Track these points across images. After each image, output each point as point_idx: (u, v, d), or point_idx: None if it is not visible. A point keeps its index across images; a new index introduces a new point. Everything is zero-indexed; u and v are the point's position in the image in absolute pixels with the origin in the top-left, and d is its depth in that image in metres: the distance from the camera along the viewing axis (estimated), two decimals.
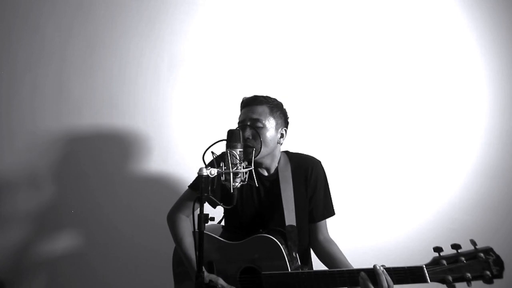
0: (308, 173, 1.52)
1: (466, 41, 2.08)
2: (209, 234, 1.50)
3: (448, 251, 1.09)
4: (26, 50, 2.12)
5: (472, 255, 1.07)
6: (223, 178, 1.11)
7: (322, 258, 1.53)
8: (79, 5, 2.14)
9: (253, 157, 1.25)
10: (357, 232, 2.00)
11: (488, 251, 1.06)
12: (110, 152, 2.07)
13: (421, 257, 1.91)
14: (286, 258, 1.34)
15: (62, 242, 2.05)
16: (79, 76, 2.11)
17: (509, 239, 1.95)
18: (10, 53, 2.12)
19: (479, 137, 2.03)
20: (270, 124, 1.46)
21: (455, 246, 1.08)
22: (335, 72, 2.09)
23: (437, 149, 2.04)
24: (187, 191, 1.58)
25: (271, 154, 1.51)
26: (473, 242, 1.06)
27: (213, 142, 1.17)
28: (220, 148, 1.16)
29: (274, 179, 1.53)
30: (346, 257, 1.47)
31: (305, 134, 2.01)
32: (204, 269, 1.37)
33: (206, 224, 1.50)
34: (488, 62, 2.06)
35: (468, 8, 2.08)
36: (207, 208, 1.45)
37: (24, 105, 2.10)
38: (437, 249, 1.09)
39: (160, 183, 2.05)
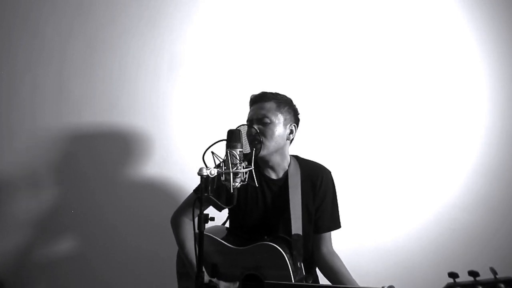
0: (317, 181, 1.48)
1: (466, 41, 2.07)
2: (213, 237, 1.47)
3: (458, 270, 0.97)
4: (26, 50, 2.12)
5: (491, 285, 0.94)
6: (223, 178, 1.11)
7: (324, 271, 1.49)
8: (79, 5, 2.14)
9: (253, 154, 1.22)
10: (356, 232, 1.99)
11: (510, 281, 0.94)
12: (110, 152, 2.07)
13: (421, 259, 1.93)
14: (290, 269, 1.30)
15: (62, 243, 2.05)
16: (79, 76, 2.11)
17: (509, 239, 1.94)
18: (10, 53, 2.12)
19: (479, 137, 2.03)
20: (278, 120, 1.45)
21: (473, 273, 0.96)
22: (332, 77, 2.08)
23: (437, 149, 2.03)
24: (191, 194, 1.55)
25: (280, 151, 1.48)
26: (493, 271, 0.96)
27: (213, 142, 1.17)
28: (221, 148, 1.16)
29: (282, 184, 1.49)
30: (346, 257, 1.45)
31: (303, 137, 2.01)
32: (205, 271, 1.36)
33: (211, 226, 1.47)
34: (488, 62, 2.05)
35: (468, 8, 2.08)
36: (214, 212, 1.44)
37: (24, 105, 2.09)
38: (452, 275, 0.97)
39: (160, 183, 2.05)
